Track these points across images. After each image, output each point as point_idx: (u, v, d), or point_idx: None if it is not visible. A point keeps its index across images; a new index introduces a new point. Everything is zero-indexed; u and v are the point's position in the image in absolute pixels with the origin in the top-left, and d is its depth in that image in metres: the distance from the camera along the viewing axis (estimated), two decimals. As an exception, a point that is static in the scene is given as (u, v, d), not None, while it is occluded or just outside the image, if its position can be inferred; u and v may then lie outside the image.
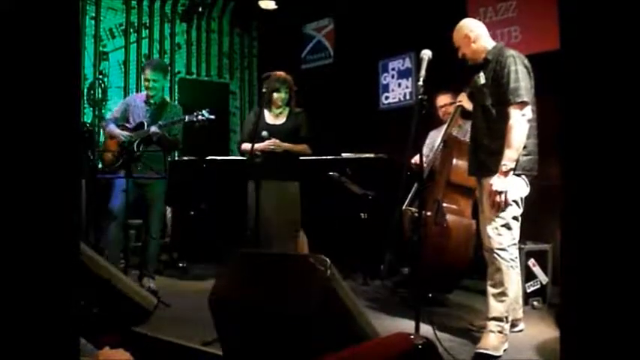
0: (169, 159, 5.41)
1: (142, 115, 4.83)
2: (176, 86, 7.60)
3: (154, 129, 4.65)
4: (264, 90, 4.43)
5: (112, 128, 4.81)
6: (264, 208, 4.43)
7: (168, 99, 5.15)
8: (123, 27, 7.13)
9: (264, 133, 4.43)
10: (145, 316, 2.24)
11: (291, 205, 4.57)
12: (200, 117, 4.61)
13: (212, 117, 4.67)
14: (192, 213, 6.09)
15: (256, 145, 4.44)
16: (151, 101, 4.86)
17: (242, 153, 4.56)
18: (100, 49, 6.90)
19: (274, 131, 4.47)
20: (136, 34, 7.24)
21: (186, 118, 4.67)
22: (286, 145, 4.48)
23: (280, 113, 4.59)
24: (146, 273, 4.87)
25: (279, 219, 4.49)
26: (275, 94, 4.49)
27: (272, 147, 4.43)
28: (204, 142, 5.90)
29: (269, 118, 4.58)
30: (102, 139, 5.68)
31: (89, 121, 6.58)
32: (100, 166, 5.11)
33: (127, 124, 4.84)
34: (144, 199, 4.80)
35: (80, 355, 1.40)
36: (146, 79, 4.81)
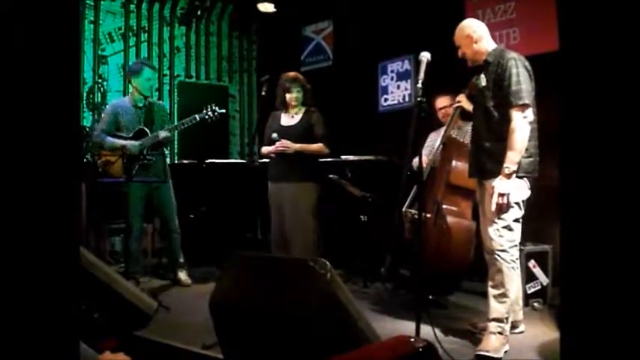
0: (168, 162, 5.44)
1: (134, 121, 4.93)
2: (175, 90, 7.60)
3: (164, 134, 4.82)
4: (263, 93, 4.44)
5: (112, 140, 4.89)
6: (279, 210, 4.44)
7: (150, 98, 5.17)
8: (122, 31, 7.12)
9: (274, 135, 4.43)
10: (145, 320, 2.24)
11: (306, 206, 4.49)
12: (210, 113, 4.80)
13: (222, 111, 4.88)
14: (192, 216, 6.09)
15: (267, 148, 4.46)
16: (139, 104, 4.97)
17: (263, 157, 4.61)
18: (99, 53, 6.89)
19: (285, 132, 4.46)
20: (135, 38, 7.23)
21: (197, 117, 4.82)
22: (297, 146, 4.42)
23: (296, 113, 4.58)
24: (178, 265, 5.18)
25: (296, 221, 4.46)
26: (287, 95, 4.49)
27: (281, 149, 4.42)
28: (204, 144, 5.90)
29: (284, 119, 4.57)
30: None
31: (89, 125, 6.58)
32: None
33: (120, 133, 4.91)
34: (157, 202, 5.04)
35: (81, 359, 1.40)
36: (147, 80, 4.97)
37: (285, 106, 4.56)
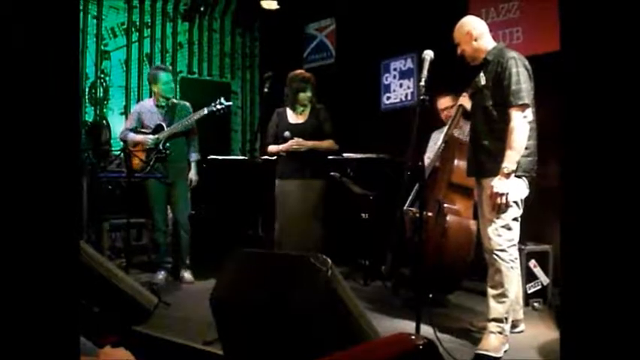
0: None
1: (157, 119, 5.20)
2: (178, 86, 7.60)
3: (177, 127, 5.12)
4: (265, 90, 4.44)
5: (134, 136, 5.19)
6: (290, 208, 4.44)
7: (174, 99, 5.46)
8: (125, 26, 7.12)
9: (287, 133, 4.47)
10: (145, 315, 2.24)
11: (316, 204, 4.56)
12: (218, 106, 4.99)
13: (229, 103, 5.07)
14: (193, 212, 6.10)
15: (281, 146, 4.47)
16: (162, 104, 5.24)
17: (268, 155, 4.60)
18: (102, 48, 6.89)
19: (297, 130, 4.49)
20: (137, 34, 7.22)
21: (206, 110, 5.02)
22: (310, 144, 4.50)
23: (303, 111, 4.60)
24: (182, 265, 5.33)
25: (305, 218, 4.49)
26: (301, 94, 4.53)
27: (295, 147, 4.44)
28: (206, 141, 5.90)
29: (291, 117, 4.59)
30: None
31: (91, 120, 6.58)
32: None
33: (144, 130, 5.22)
34: (171, 197, 5.26)
35: (81, 353, 1.40)
36: (165, 83, 5.19)
37: (294, 105, 4.58)
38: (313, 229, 4.53)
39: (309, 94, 4.54)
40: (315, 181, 4.56)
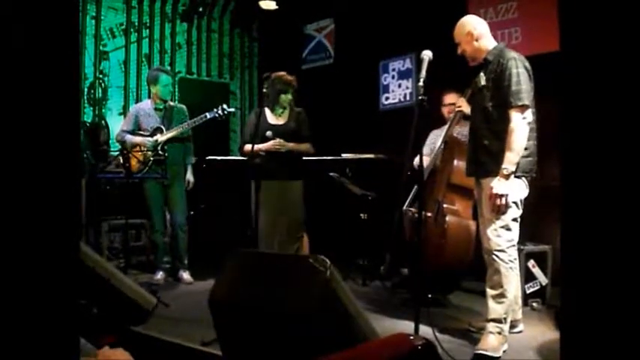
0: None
1: (155, 121, 5.25)
2: (176, 86, 7.59)
3: (175, 131, 5.16)
4: (264, 90, 4.45)
5: (131, 137, 5.21)
6: (269, 208, 4.45)
7: (171, 102, 5.47)
8: (123, 26, 7.11)
9: (269, 133, 4.47)
10: (144, 315, 2.24)
11: (295, 204, 4.60)
12: (220, 112, 5.07)
13: (232, 109, 5.20)
14: (191, 213, 6.10)
15: (261, 146, 4.47)
16: (159, 106, 5.29)
17: (245, 154, 4.58)
18: (101, 48, 6.88)
19: (278, 131, 4.50)
20: (136, 34, 7.22)
21: (208, 115, 5.08)
22: (290, 145, 4.52)
23: (282, 113, 4.61)
24: (180, 266, 5.37)
25: (284, 219, 4.52)
26: (282, 96, 4.53)
27: (277, 147, 4.45)
28: (204, 141, 5.91)
29: (271, 118, 4.59)
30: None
31: (89, 121, 6.58)
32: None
33: (141, 132, 5.24)
34: (168, 198, 5.31)
35: (80, 354, 1.40)
36: (164, 86, 5.27)
37: (274, 106, 4.59)
38: (293, 231, 4.56)
39: (290, 97, 4.57)
40: (294, 182, 4.60)
